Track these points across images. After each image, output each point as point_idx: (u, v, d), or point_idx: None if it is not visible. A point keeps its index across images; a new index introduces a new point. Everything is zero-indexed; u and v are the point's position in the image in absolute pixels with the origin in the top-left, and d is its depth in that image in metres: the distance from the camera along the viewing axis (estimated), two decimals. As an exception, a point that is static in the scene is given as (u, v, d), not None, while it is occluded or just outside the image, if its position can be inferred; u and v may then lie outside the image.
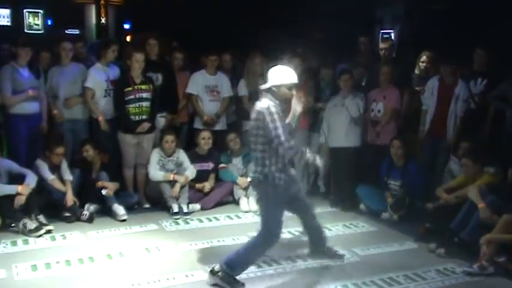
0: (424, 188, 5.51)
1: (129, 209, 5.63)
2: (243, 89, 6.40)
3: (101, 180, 5.58)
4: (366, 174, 5.97)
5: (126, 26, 13.74)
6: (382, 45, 6.80)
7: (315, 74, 6.65)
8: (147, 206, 5.93)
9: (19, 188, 5.01)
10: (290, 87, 3.92)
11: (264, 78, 6.33)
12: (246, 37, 9.02)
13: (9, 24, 12.52)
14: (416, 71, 6.25)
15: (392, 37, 9.96)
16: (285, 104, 3.92)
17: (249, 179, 6.12)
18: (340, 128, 5.97)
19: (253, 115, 3.90)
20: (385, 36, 9.52)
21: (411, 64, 6.35)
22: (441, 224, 4.80)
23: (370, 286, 4.02)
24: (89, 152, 5.63)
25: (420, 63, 6.18)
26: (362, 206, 5.96)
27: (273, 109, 3.76)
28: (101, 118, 5.77)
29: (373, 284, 4.05)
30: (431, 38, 7.79)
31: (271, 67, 3.98)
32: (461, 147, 5.29)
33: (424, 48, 6.23)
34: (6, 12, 12.60)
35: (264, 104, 3.82)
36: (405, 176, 5.59)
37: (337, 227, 5.41)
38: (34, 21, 12.74)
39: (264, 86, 3.95)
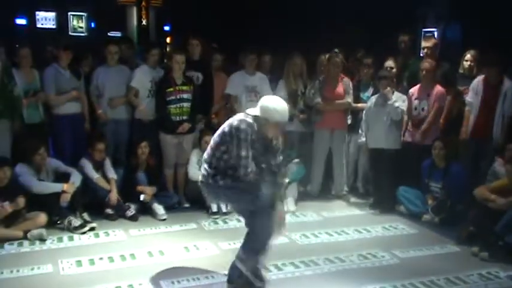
0: (467, 190, 5.39)
1: (169, 208, 5.72)
2: (282, 90, 6.41)
3: (140, 183, 5.69)
4: (406, 175, 5.88)
5: (166, 28, 13.96)
6: (425, 44, 6.67)
7: (354, 74, 6.59)
8: (186, 205, 6.01)
9: (65, 186, 5.18)
10: (276, 124, 3.76)
11: (303, 79, 6.43)
12: (285, 38, 9.02)
13: (54, 27, 12.94)
14: (461, 70, 6.12)
15: (435, 36, 9.77)
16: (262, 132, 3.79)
17: (287, 180, 6.13)
18: (380, 129, 5.89)
19: (225, 126, 3.73)
20: (427, 35, 9.34)
21: (455, 63, 6.22)
22: (485, 227, 4.69)
23: (409, 289, 3.98)
24: (145, 151, 5.73)
25: (464, 62, 6.06)
26: (402, 208, 5.88)
27: (243, 135, 3.61)
28: (142, 107, 5.89)
29: (413, 287, 3.99)
30: (477, 38, 7.60)
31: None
32: (509, 148, 5.13)
33: (469, 47, 6.10)
34: (51, 15, 13.05)
35: (242, 123, 3.65)
36: (447, 178, 5.48)
37: (376, 229, 5.36)
38: (78, 24, 13.14)
39: (252, 112, 3.77)
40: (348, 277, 4.16)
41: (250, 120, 3.69)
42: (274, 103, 3.75)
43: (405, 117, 5.93)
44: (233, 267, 3.86)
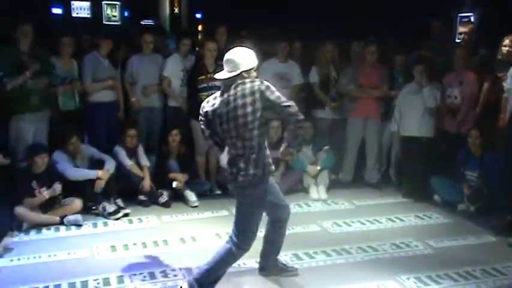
0: (504, 179, 5.25)
1: (201, 195, 5.77)
2: (314, 76, 6.37)
3: (171, 170, 5.74)
4: (440, 163, 5.77)
5: (198, 16, 13.99)
6: (462, 29, 6.53)
7: (387, 61, 6.48)
8: (218, 192, 6.05)
9: (99, 173, 5.28)
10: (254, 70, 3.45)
11: (335, 65, 6.36)
12: (316, 25, 8.93)
13: (89, 16, 13.12)
14: (499, 56, 5.94)
15: (472, 20, 9.49)
16: None
17: (318, 167, 6.11)
18: (414, 117, 5.79)
19: (241, 98, 3.29)
20: (464, 20, 9.08)
21: (494, 49, 6.03)
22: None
23: (444, 279, 3.90)
24: (176, 138, 5.77)
25: (502, 48, 5.87)
26: (436, 197, 5.77)
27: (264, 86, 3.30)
28: (180, 100, 5.93)
29: (448, 277, 3.93)
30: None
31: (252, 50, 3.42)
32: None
33: (508, 32, 5.90)
34: (86, 4, 13.24)
35: (252, 83, 3.30)
36: (483, 167, 5.36)
37: (409, 218, 5.29)
38: (112, 12, 13.29)
39: (231, 73, 3.36)
40: (380, 266, 4.12)
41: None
42: (242, 48, 3.43)
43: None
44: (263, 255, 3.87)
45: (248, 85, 3.30)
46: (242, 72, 3.37)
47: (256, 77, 3.42)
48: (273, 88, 3.32)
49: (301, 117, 3.36)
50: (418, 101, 5.73)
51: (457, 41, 7.35)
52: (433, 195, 5.79)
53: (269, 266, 3.93)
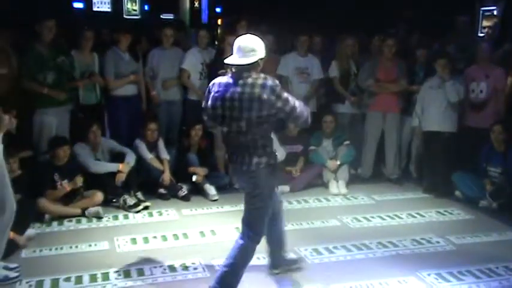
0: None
1: (221, 189, 5.78)
2: (334, 71, 6.33)
3: (191, 164, 5.76)
4: (462, 159, 5.70)
5: (218, 10, 13.99)
6: (486, 23, 6.40)
7: (409, 55, 6.41)
8: (237, 186, 6.04)
9: (120, 166, 5.32)
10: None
11: (355, 60, 6.30)
12: (337, 19, 8.85)
13: (109, 10, 13.21)
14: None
15: (495, 14, 9.33)
16: None
17: (338, 162, 6.08)
18: (436, 112, 5.72)
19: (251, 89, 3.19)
20: (487, 14, 8.93)
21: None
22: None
23: (466, 276, 3.86)
24: (198, 133, 5.78)
25: (527, 42, 5.77)
26: (457, 193, 5.70)
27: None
28: (200, 93, 5.95)
29: (470, 274, 3.88)
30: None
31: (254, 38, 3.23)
32: None
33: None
34: (107, -2, 13.33)
35: (266, 79, 3.20)
36: (507, 163, 5.27)
37: (430, 214, 5.24)
38: (132, 6, 13.36)
39: (248, 59, 3.22)
40: (401, 262, 4.09)
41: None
42: (253, 36, 3.30)
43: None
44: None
45: (260, 81, 3.18)
46: (259, 60, 3.27)
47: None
48: (283, 94, 3.20)
49: (308, 121, 3.36)
50: (440, 96, 5.66)
51: (480, 35, 7.21)
52: (454, 191, 5.72)
53: (276, 263, 3.81)
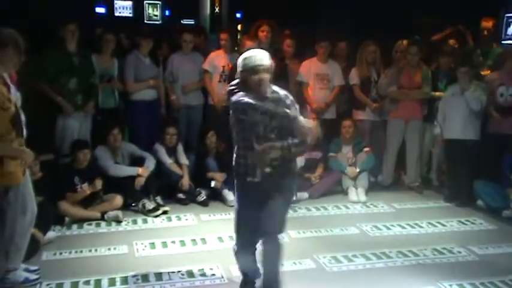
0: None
1: (239, 194, 5.76)
2: (354, 78, 6.29)
3: (210, 169, 5.76)
4: (485, 167, 5.60)
5: (238, 15, 14.02)
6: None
7: (432, 62, 6.34)
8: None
9: (139, 170, 5.35)
10: (251, 71, 3.24)
11: (376, 66, 6.25)
12: (361, 24, 8.80)
13: (131, 15, 13.35)
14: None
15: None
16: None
17: (358, 169, 6.03)
18: (458, 120, 5.63)
19: (285, 100, 3.28)
20: (510, 20, 8.81)
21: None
22: None
23: (489, 287, 3.78)
24: (213, 139, 5.81)
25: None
26: (480, 202, 5.61)
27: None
28: (216, 101, 5.96)
29: (493, 286, 3.81)
30: None
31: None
32: None
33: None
34: (128, 4, 13.47)
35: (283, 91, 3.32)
36: (531, 172, 5.18)
37: (451, 223, 5.16)
38: (153, 12, 13.48)
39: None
40: (422, 272, 4.03)
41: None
42: (242, 55, 3.34)
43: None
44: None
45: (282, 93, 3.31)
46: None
47: None
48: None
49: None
50: (462, 103, 5.57)
51: (504, 42, 7.12)
52: (476, 200, 5.63)
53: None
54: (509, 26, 7.35)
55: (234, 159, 3.43)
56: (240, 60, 3.33)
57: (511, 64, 5.59)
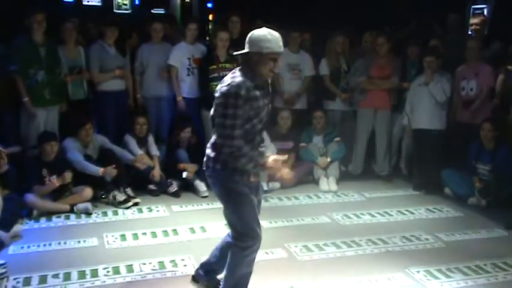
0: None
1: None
2: (324, 68, 6.33)
3: (181, 161, 5.73)
4: (452, 156, 5.72)
5: (209, 5, 13.93)
6: (473, 21, 6.45)
7: (400, 52, 6.42)
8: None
9: (100, 171, 5.16)
10: (272, 56, 2.93)
11: (346, 57, 6.30)
12: (329, 15, 8.84)
13: (100, 4, 13.11)
14: (512, 48, 5.86)
15: (485, 13, 9.37)
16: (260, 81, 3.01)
17: (328, 159, 6.08)
18: (425, 110, 5.74)
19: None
20: (476, 12, 8.98)
21: (507, 41, 5.95)
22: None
23: (455, 273, 3.87)
24: (187, 135, 5.77)
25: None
26: (447, 190, 5.72)
27: (243, 91, 2.86)
28: (179, 98, 5.90)
29: (459, 271, 3.90)
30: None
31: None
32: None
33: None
34: (97, -8, 13.21)
35: (236, 79, 2.89)
36: (496, 160, 5.31)
37: (419, 211, 5.26)
38: (122, 1, 13.26)
39: (239, 52, 3.00)
40: (391, 259, 4.10)
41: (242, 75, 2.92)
42: (265, 30, 2.96)
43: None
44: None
45: (229, 80, 2.95)
46: (251, 53, 2.97)
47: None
48: (228, 103, 2.87)
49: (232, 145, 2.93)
50: (428, 94, 5.67)
51: (469, 33, 7.24)
52: (444, 188, 5.75)
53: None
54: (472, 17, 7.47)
55: (226, 153, 2.99)
56: (255, 38, 2.91)
57: (471, 58, 5.70)
